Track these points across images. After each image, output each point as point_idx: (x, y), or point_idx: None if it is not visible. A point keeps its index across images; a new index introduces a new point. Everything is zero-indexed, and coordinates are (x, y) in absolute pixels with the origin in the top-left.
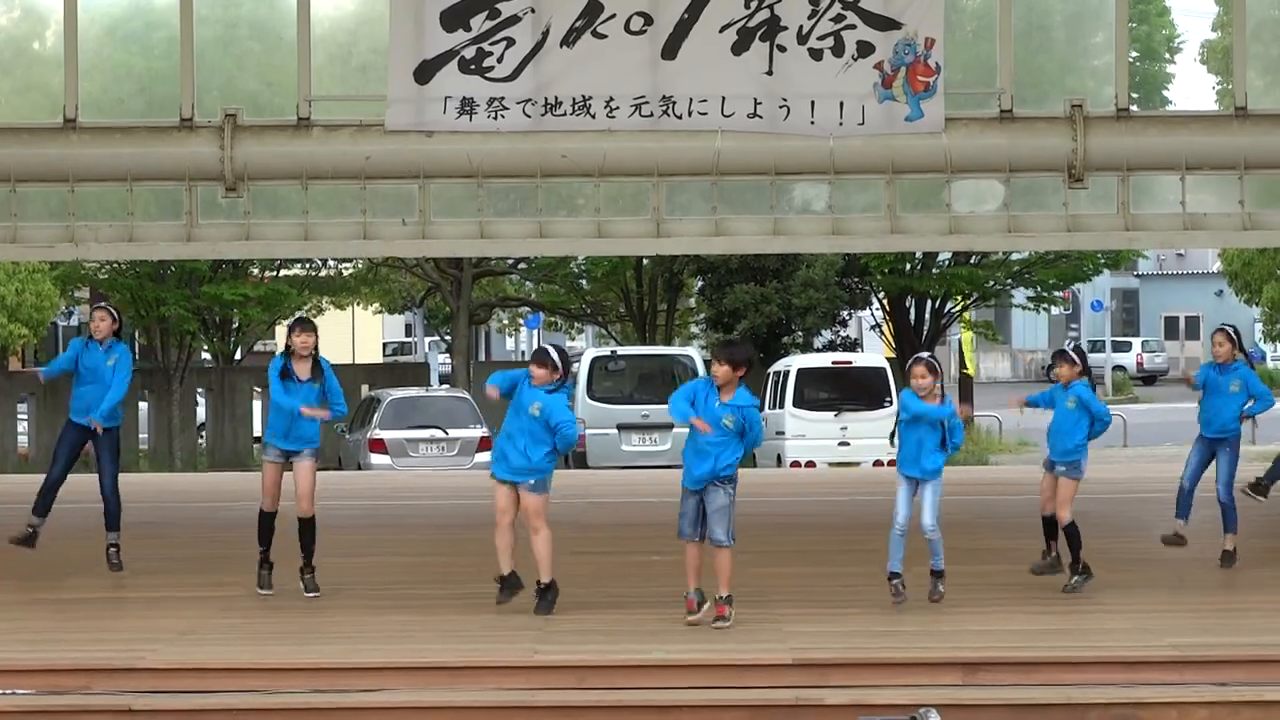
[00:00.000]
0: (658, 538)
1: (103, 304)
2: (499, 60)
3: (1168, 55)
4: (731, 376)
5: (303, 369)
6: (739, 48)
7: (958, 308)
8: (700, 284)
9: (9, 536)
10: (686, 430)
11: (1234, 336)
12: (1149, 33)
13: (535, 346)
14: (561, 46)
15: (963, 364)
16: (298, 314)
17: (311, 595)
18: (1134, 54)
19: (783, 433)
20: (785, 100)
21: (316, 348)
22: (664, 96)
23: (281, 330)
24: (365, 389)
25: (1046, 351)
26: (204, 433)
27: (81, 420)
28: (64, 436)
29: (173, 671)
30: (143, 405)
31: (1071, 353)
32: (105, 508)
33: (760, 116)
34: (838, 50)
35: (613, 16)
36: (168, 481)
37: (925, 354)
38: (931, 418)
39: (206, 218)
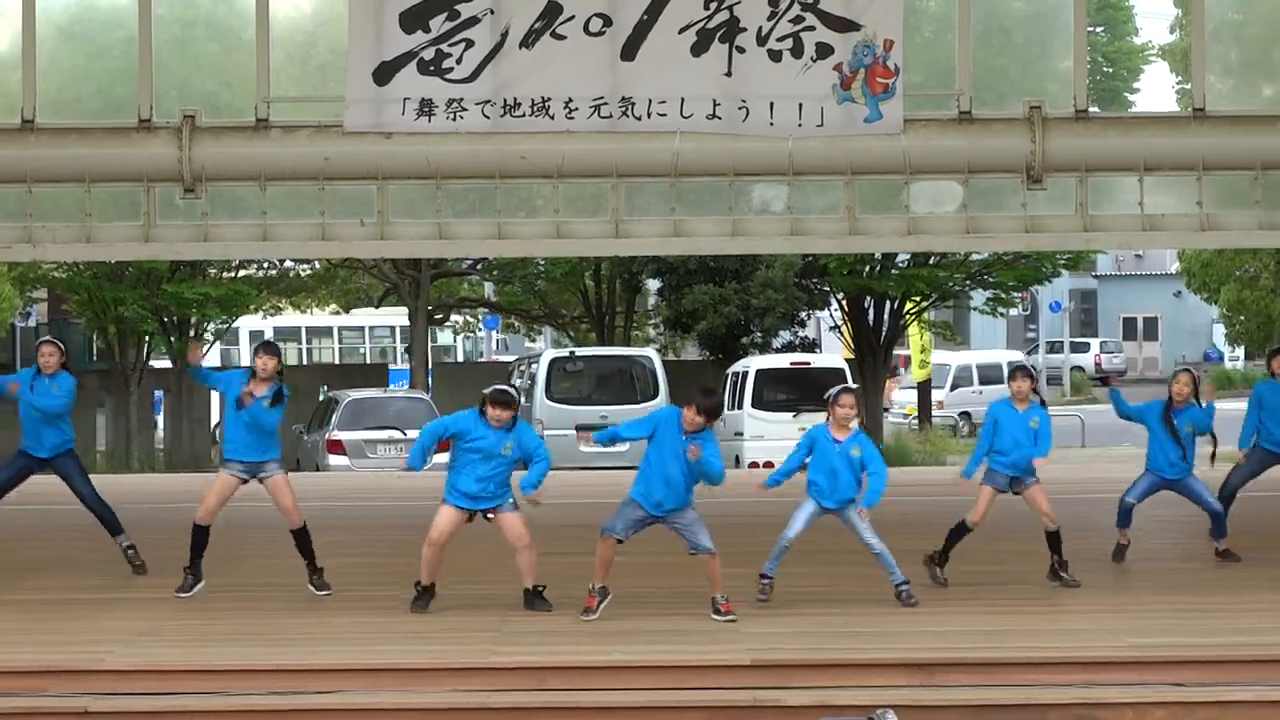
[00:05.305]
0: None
1: (49, 338)
2: (458, 61)
3: (1139, 65)
4: (700, 426)
5: (260, 388)
6: (698, 49)
7: (915, 309)
8: (659, 285)
9: None
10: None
11: (1197, 380)
12: (1112, 40)
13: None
14: (520, 48)
15: (915, 365)
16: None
17: (325, 594)
18: (1097, 58)
19: (741, 433)
20: (744, 101)
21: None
22: (623, 98)
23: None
24: (323, 390)
25: (1005, 352)
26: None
27: (33, 452)
28: (13, 460)
29: (131, 673)
30: (99, 406)
31: (1031, 368)
32: (99, 519)
33: (719, 118)
34: (797, 52)
35: (572, 18)
36: (125, 483)
37: (852, 384)
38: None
39: (164, 219)
